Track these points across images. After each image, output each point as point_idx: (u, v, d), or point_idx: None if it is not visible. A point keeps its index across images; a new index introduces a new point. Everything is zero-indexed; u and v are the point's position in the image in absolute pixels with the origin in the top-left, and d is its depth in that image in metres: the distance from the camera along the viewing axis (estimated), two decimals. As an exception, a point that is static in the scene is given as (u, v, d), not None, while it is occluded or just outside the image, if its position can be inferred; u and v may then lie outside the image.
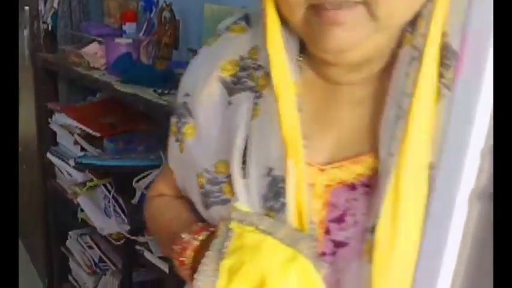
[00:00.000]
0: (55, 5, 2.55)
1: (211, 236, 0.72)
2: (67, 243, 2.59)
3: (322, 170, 0.70)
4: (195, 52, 1.98)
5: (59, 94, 2.63)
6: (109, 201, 2.09)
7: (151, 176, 1.91)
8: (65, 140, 2.43)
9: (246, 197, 0.69)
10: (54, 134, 2.50)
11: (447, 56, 0.64)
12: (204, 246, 0.72)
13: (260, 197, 0.68)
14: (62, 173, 2.45)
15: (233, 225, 0.67)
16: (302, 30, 0.65)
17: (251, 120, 0.71)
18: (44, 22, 2.56)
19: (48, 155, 2.49)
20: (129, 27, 2.22)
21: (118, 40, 2.14)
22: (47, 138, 2.54)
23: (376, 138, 0.66)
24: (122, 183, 2.05)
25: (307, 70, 0.73)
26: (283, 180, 0.67)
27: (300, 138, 0.67)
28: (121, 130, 2.23)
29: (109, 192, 2.11)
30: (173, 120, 0.83)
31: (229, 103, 0.74)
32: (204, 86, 0.77)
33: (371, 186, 0.67)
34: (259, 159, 0.69)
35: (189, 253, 0.75)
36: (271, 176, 0.68)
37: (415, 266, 0.42)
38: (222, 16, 1.95)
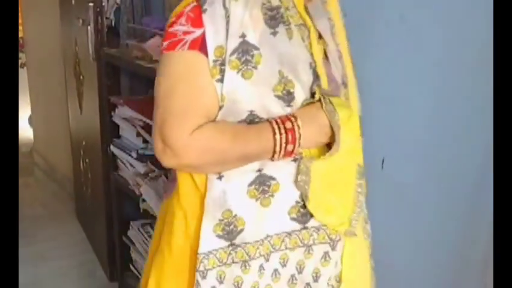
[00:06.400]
0: (118, 1, 2.61)
1: (301, 116, 1.12)
2: (129, 233, 2.65)
3: None
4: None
5: (122, 88, 2.70)
6: (170, 191, 2.12)
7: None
8: (127, 133, 2.50)
9: (305, 85, 1.13)
10: (117, 126, 2.57)
11: None
12: (303, 123, 1.11)
13: (311, 82, 1.14)
14: (124, 164, 2.51)
15: (327, 97, 1.14)
16: None
17: (290, 40, 1.13)
18: (107, 18, 2.63)
19: (111, 148, 2.56)
20: (190, 20, 2.25)
21: (179, 33, 2.17)
22: (110, 131, 2.61)
23: (315, 34, 1.19)
24: (183, 173, 2.09)
25: None
26: (316, 68, 1.15)
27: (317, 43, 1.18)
28: (182, 122, 2.26)
29: (170, 183, 2.15)
30: (232, 58, 1.09)
31: (275, 33, 1.12)
32: (255, 26, 1.10)
33: (324, 59, 1.19)
34: (304, 60, 1.14)
35: (301, 130, 1.11)
36: (312, 68, 1.15)
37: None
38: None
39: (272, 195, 1.16)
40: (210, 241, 1.15)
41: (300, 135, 1.11)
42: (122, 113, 2.48)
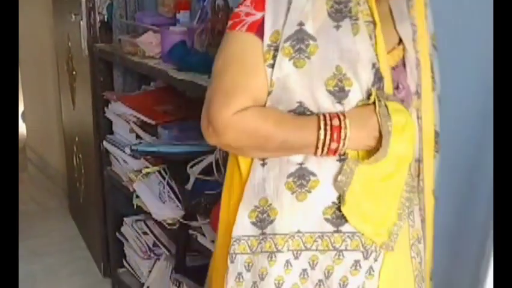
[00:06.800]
0: (110, -4, 2.60)
1: (352, 116, 1.08)
2: (122, 229, 2.65)
3: None
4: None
5: (114, 83, 2.69)
6: (163, 187, 2.13)
7: (205, 161, 1.94)
8: (120, 129, 2.49)
9: (363, 84, 1.08)
10: (110, 122, 2.57)
11: None
12: (352, 123, 1.07)
13: (371, 82, 1.09)
14: (118, 160, 2.50)
15: (383, 100, 1.08)
16: None
17: (354, 36, 1.08)
18: (99, 13, 2.62)
19: (105, 143, 2.56)
20: (183, 15, 2.25)
21: (172, 29, 2.17)
22: (103, 127, 2.60)
23: (395, 39, 1.18)
24: (177, 170, 2.09)
25: None
26: (380, 69, 1.09)
27: (384, 45, 1.12)
28: (175, 118, 2.27)
29: (164, 179, 2.15)
30: (286, 44, 1.07)
31: (338, 27, 1.08)
32: (317, 16, 1.07)
33: (399, 66, 1.17)
34: (367, 59, 1.08)
35: (348, 130, 1.07)
36: (375, 68, 1.09)
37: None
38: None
39: (309, 191, 1.13)
40: (243, 226, 1.16)
41: (345, 135, 1.07)
42: (115, 108, 2.48)
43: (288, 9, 1.07)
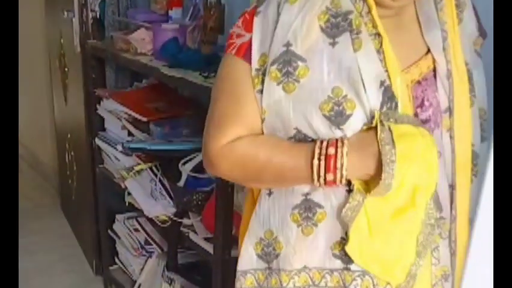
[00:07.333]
0: (103, -7, 2.59)
1: (353, 143, 0.96)
2: (114, 226, 2.65)
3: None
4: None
5: (107, 80, 2.69)
6: (155, 184, 2.13)
7: (197, 158, 1.94)
8: (112, 126, 2.48)
9: (368, 106, 0.96)
10: (102, 119, 2.55)
11: None
12: (351, 151, 0.95)
13: (379, 103, 0.97)
14: (109, 157, 2.50)
15: (386, 123, 0.95)
16: None
17: (356, 52, 0.97)
18: (92, 10, 2.61)
19: (97, 141, 2.55)
20: (175, 12, 2.25)
21: (164, 26, 2.17)
22: (95, 124, 2.59)
23: (421, 49, 1.06)
24: (169, 167, 2.09)
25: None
26: (391, 87, 0.98)
27: (395, 58, 0.99)
28: (167, 115, 2.27)
29: (156, 176, 2.15)
30: (272, 68, 0.98)
31: (335, 43, 0.97)
32: (307, 34, 0.97)
33: (428, 79, 1.05)
34: (372, 76, 0.97)
35: (344, 159, 0.95)
36: (384, 86, 0.97)
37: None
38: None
39: (315, 225, 1.03)
40: (249, 259, 1.10)
41: (342, 165, 0.95)
42: (108, 105, 2.47)
43: (275, 28, 0.99)
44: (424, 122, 1.04)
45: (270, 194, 1.08)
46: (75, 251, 3.15)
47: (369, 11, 0.99)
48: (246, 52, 1.01)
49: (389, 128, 0.94)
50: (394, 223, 1.00)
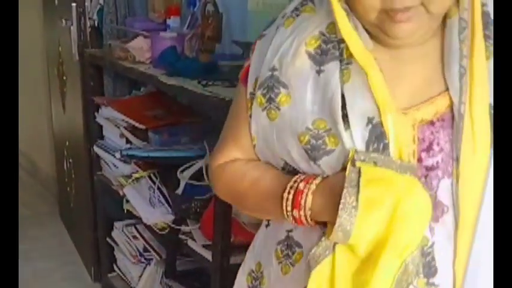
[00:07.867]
0: (101, 1, 2.61)
1: (326, 180, 0.88)
2: (113, 233, 2.65)
3: (405, 113, 0.88)
4: (240, 44, 2.03)
5: (105, 88, 2.70)
6: (153, 192, 2.13)
7: (195, 166, 1.95)
8: (111, 133, 2.49)
9: (351, 144, 0.85)
10: (100, 127, 2.57)
11: (488, 22, 0.88)
12: (319, 189, 0.87)
13: (364, 142, 0.85)
14: (108, 165, 2.50)
15: (359, 163, 0.83)
16: (373, 24, 0.84)
17: (344, 84, 0.87)
18: (90, 18, 2.63)
19: (95, 148, 2.56)
20: (173, 21, 2.26)
21: (162, 34, 2.19)
22: (94, 132, 2.61)
23: (440, 85, 0.89)
24: (167, 174, 2.10)
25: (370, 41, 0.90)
26: (381, 125, 0.85)
27: (388, 93, 0.86)
28: (165, 122, 2.28)
29: (154, 183, 2.15)
30: (258, 93, 0.93)
31: (320, 71, 0.88)
32: (292, 60, 0.90)
33: (445, 120, 0.88)
34: (359, 112, 0.86)
35: (309, 197, 0.88)
36: (372, 124, 0.85)
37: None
38: (267, 9, 1.97)
39: (293, 264, 0.96)
40: None
41: (305, 203, 0.88)
42: (106, 113, 2.48)
43: (268, 49, 0.94)
44: (429, 170, 0.88)
45: (267, 225, 1.05)
46: (74, 258, 3.16)
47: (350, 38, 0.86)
48: (245, 76, 0.99)
49: (359, 170, 0.82)
50: (354, 283, 0.85)
